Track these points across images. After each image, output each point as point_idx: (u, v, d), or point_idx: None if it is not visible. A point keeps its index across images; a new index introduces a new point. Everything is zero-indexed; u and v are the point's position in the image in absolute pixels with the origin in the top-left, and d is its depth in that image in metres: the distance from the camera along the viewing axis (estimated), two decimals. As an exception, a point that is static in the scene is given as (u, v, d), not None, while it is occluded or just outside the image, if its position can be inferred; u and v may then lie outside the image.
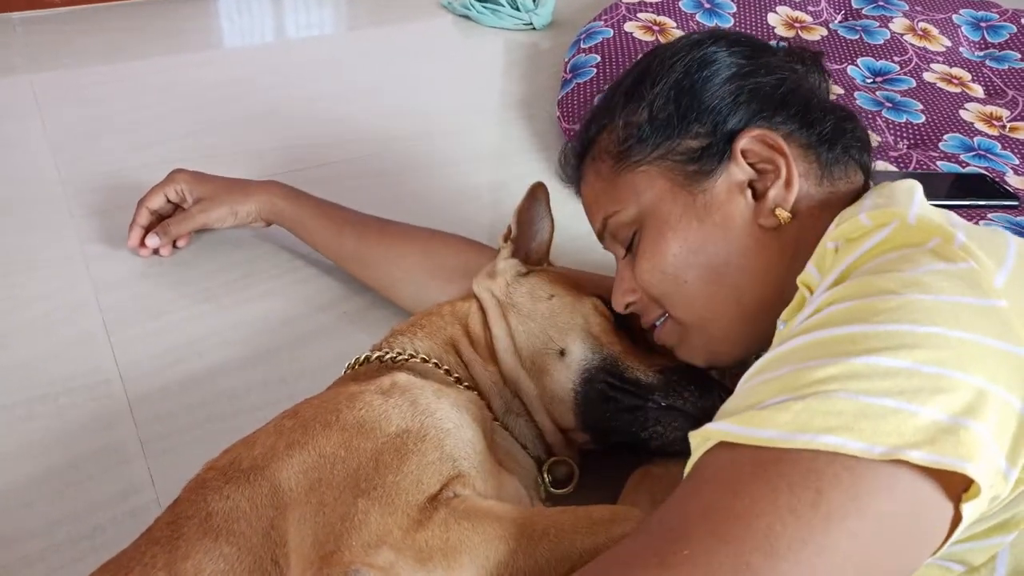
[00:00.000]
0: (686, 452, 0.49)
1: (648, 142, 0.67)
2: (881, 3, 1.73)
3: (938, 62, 1.61)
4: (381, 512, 0.53)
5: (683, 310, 0.67)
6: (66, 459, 0.81)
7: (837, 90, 1.49)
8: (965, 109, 1.46)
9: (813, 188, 0.65)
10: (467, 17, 1.88)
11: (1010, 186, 1.26)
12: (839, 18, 1.74)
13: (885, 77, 1.57)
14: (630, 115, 0.68)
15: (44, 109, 1.37)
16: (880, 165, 1.29)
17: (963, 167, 1.30)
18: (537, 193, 0.86)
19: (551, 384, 0.74)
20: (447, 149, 1.39)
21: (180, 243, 1.07)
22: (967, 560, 0.50)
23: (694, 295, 0.66)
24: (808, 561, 0.41)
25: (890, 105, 1.47)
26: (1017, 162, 1.33)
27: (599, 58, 1.51)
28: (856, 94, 1.49)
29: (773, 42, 0.79)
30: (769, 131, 0.64)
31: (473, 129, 1.47)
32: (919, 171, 1.29)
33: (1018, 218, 1.17)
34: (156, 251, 1.05)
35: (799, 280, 0.57)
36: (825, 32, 1.67)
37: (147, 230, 1.04)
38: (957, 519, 0.44)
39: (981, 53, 1.66)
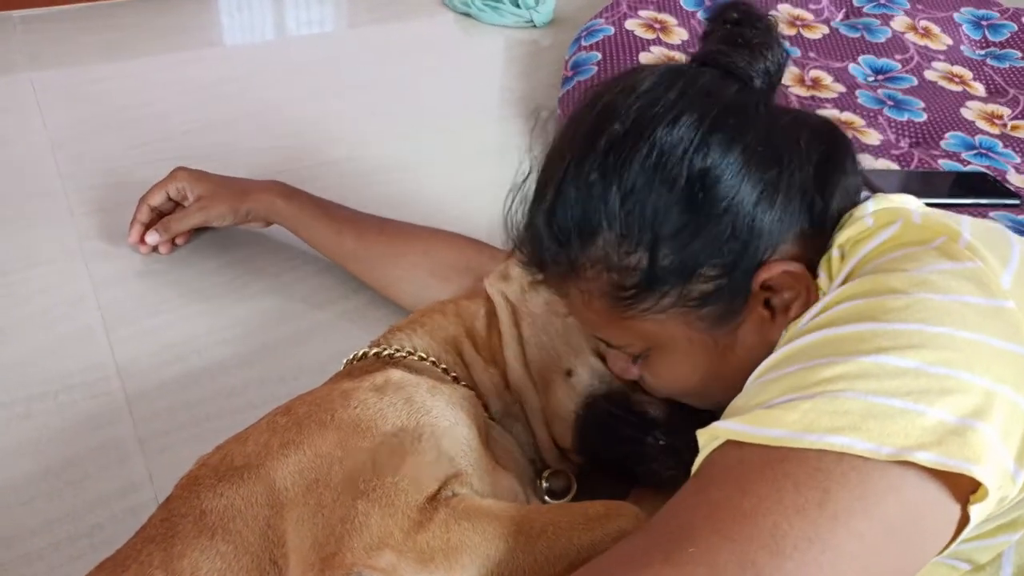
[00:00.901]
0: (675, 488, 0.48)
1: (654, 293, 0.57)
2: (882, 1, 1.72)
3: (939, 60, 1.60)
4: (381, 513, 0.53)
5: (692, 402, 0.66)
6: (64, 457, 0.81)
7: (839, 88, 1.49)
8: (966, 107, 1.46)
9: (814, 240, 0.58)
10: (468, 14, 1.87)
11: (1011, 184, 1.25)
12: (840, 16, 1.74)
13: (887, 75, 1.57)
14: (625, 256, 0.56)
15: (44, 106, 1.37)
16: (881, 164, 1.29)
17: (964, 165, 1.30)
18: None
19: (554, 401, 0.73)
20: (447, 147, 1.39)
21: (179, 241, 1.07)
22: (973, 558, 0.50)
23: (706, 396, 0.64)
24: (814, 560, 0.41)
25: (892, 103, 1.46)
26: (1018, 160, 1.33)
27: (600, 55, 1.50)
28: (857, 92, 1.49)
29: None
30: (787, 256, 0.56)
31: (473, 127, 1.47)
32: (920, 169, 1.29)
33: (1019, 216, 1.17)
34: (155, 248, 1.05)
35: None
36: (827, 30, 1.67)
37: (147, 227, 1.04)
38: (964, 520, 0.44)
39: (982, 51, 1.66)
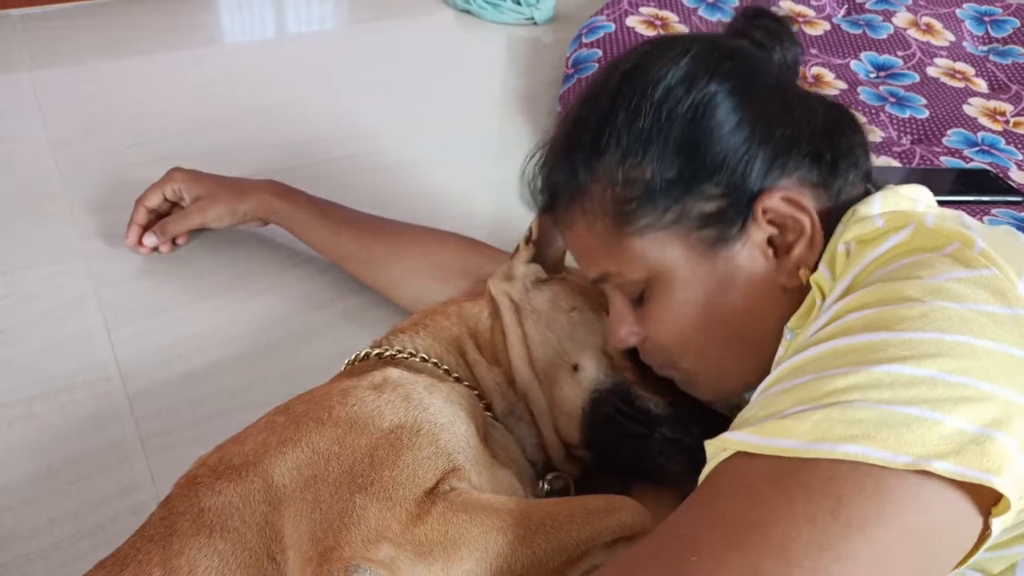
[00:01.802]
0: (687, 486, 0.48)
1: (656, 206, 0.59)
2: (884, -3, 1.72)
3: (942, 57, 1.60)
4: (379, 507, 0.53)
5: (693, 363, 0.64)
6: (66, 456, 0.81)
7: (840, 85, 1.49)
8: (969, 104, 1.46)
9: (821, 210, 0.60)
10: (468, 12, 1.87)
11: (1014, 181, 1.25)
12: (842, 12, 1.73)
13: (888, 72, 1.56)
14: (630, 170, 0.59)
15: (44, 106, 1.37)
16: (883, 160, 1.29)
17: (967, 162, 1.30)
18: None
19: (560, 397, 0.73)
20: (448, 145, 1.38)
21: (179, 241, 1.07)
22: (986, 568, 0.50)
23: (708, 352, 0.63)
24: (824, 569, 0.40)
25: (894, 100, 1.46)
26: (1021, 157, 1.33)
27: (601, 53, 1.50)
28: (859, 89, 1.48)
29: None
30: (790, 189, 0.59)
31: (474, 125, 1.47)
32: (922, 166, 1.28)
33: (1022, 214, 1.17)
34: (156, 248, 1.05)
35: (812, 279, 0.55)
36: (828, 26, 1.66)
37: (145, 228, 1.04)
38: (986, 533, 0.43)
39: (985, 48, 1.65)
